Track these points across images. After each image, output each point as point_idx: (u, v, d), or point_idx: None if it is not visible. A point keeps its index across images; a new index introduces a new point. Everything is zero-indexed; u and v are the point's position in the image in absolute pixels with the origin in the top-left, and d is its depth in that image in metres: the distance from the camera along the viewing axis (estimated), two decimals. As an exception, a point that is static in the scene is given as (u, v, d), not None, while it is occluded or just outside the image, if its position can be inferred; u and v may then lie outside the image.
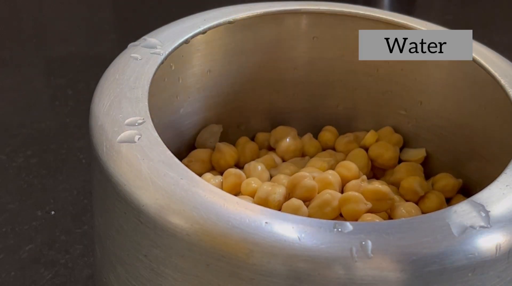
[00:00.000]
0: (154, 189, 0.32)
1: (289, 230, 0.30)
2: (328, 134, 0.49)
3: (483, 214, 0.31)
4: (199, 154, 0.46)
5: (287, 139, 0.47)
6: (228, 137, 0.48)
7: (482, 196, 0.32)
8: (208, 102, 0.47)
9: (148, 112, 0.36)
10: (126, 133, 0.34)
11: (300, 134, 0.49)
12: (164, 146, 0.34)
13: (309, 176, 0.42)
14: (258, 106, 0.49)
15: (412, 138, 0.49)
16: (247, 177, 0.43)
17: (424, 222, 0.31)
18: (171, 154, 0.33)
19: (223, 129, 0.48)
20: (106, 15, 0.96)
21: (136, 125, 0.35)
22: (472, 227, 0.30)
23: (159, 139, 0.34)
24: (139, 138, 0.34)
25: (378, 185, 0.41)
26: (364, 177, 0.43)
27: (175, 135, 0.46)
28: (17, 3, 0.94)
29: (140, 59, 0.40)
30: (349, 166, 0.44)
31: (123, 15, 0.97)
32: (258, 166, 0.44)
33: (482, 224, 0.31)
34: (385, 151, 0.47)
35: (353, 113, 0.50)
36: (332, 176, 0.42)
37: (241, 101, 0.49)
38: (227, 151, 0.46)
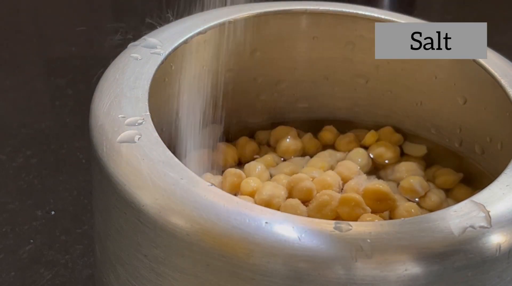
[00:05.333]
0: (154, 189, 0.32)
1: (289, 230, 0.30)
2: (328, 133, 0.49)
3: (483, 214, 0.31)
4: (199, 154, 0.46)
5: (287, 139, 0.47)
6: (228, 137, 0.48)
7: (482, 196, 0.32)
8: (208, 102, 0.47)
9: (148, 112, 0.36)
10: (126, 133, 0.34)
11: (300, 134, 0.49)
12: (164, 146, 0.34)
13: (306, 177, 0.42)
14: (258, 106, 0.50)
15: (412, 138, 0.49)
16: (247, 177, 0.43)
17: (424, 222, 0.31)
18: (171, 154, 0.33)
19: (223, 129, 0.48)
20: (106, 15, 0.96)
21: (136, 125, 0.35)
22: (472, 227, 0.30)
23: (159, 139, 0.34)
24: (139, 138, 0.34)
25: (379, 186, 0.41)
26: (365, 176, 0.43)
27: (175, 135, 0.46)
28: (17, 3, 0.94)
29: (140, 59, 0.40)
30: (350, 166, 0.44)
31: (123, 15, 0.96)
32: (258, 166, 0.44)
33: (482, 224, 0.31)
34: (385, 151, 0.47)
35: (353, 113, 0.50)
36: (331, 177, 0.42)
37: (241, 101, 0.49)
38: (227, 151, 0.46)
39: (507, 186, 0.33)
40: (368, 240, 0.29)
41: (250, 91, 0.49)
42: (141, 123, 0.35)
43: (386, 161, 0.47)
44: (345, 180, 0.43)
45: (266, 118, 0.50)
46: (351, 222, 0.30)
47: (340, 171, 0.44)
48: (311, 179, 0.42)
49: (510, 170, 0.34)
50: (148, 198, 0.32)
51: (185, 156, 0.46)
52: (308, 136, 0.49)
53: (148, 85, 0.38)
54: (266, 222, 0.30)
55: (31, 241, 0.56)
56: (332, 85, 0.50)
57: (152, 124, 0.35)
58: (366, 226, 0.30)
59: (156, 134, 0.34)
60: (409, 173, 0.46)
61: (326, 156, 0.47)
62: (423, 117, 0.48)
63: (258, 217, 0.30)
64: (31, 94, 0.76)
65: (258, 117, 0.50)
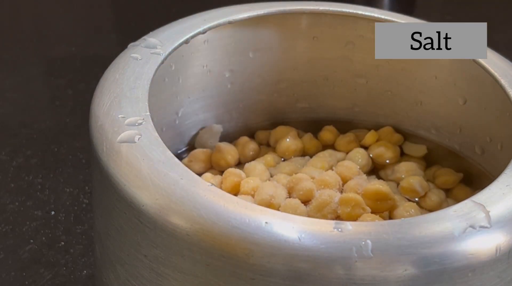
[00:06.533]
0: (154, 189, 0.32)
1: (289, 230, 0.30)
2: (328, 133, 0.49)
3: (483, 214, 0.31)
4: (199, 154, 0.46)
5: (287, 139, 0.47)
6: (228, 137, 0.48)
7: (482, 196, 0.32)
8: (208, 102, 0.47)
9: (148, 112, 0.36)
10: (126, 133, 0.34)
11: (300, 134, 0.49)
12: (164, 146, 0.34)
13: (306, 177, 0.42)
14: (258, 106, 0.50)
15: (412, 138, 0.49)
16: (247, 177, 0.43)
17: (424, 222, 0.31)
18: (171, 154, 0.33)
19: (223, 129, 0.48)
20: (106, 15, 0.96)
21: (136, 125, 0.35)
22: (472, 227, 0.30)
23: (159, 139, 0.34)
24: (139, 138, 0.34)
25: (379, 186, 0.41)
26: (365, 176, 0.43)
27: (175, 135, 0.46)
28: (17, 3, 0.94)
29: (140, 59, 0.40)
30: (350, 166, 0.44)
31: (123, 15, 0.97)
32: (258, 166, 0.44)
33: (482, 224, 0.31)
34: (385, 151, 0.47)
35: (353, 113, 0.50)
36: (331, 177, 0.42)
37: (241, 101, 0.49)
38: (227, 151, 0.46)
39: (507, 186, 0.33)
40: (368, 240, 0.29)
41: (250, 91, 0.49)
42: (141, 123, 0.35)
43: (387, 161, 0.47)
44: (345, 180, 0.43)
45: (266, 118, 0.50)
46: (351, 222, 0.30)
47: (340, 171, 0.44)
48: (311, 179, 0.42)
49: (510, 170, 0.34)
50: (148, 198, 0.32)
51: (185, 156, 0.46)
52: (308, 136, 0.49)
53: (148, 85, 0.38)
54: (266, 222, 0.30)
55: (31, 241, 0.56)
56: (332, 85, 0.50)
57: (152, 124, 0.35)
58: (366, 226, 0.30)
59: (156, 134, 0.34)
60: (409, 173, 0.46)
61: (326, 156, 0.47)
62: (423, 117, 0.48)
63: (258, 217, 0.30)
64: (31, 94, 0.76)
65: (258, 117, 0.50)
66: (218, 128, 0.48)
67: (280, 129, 0.49)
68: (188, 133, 0.47)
